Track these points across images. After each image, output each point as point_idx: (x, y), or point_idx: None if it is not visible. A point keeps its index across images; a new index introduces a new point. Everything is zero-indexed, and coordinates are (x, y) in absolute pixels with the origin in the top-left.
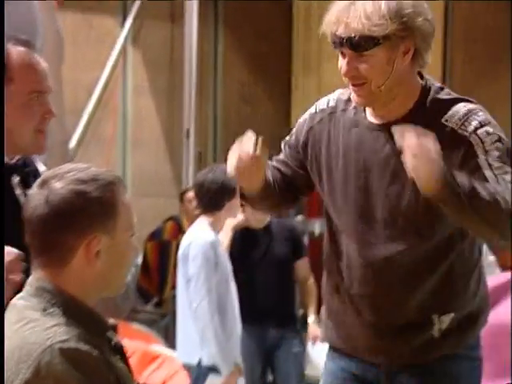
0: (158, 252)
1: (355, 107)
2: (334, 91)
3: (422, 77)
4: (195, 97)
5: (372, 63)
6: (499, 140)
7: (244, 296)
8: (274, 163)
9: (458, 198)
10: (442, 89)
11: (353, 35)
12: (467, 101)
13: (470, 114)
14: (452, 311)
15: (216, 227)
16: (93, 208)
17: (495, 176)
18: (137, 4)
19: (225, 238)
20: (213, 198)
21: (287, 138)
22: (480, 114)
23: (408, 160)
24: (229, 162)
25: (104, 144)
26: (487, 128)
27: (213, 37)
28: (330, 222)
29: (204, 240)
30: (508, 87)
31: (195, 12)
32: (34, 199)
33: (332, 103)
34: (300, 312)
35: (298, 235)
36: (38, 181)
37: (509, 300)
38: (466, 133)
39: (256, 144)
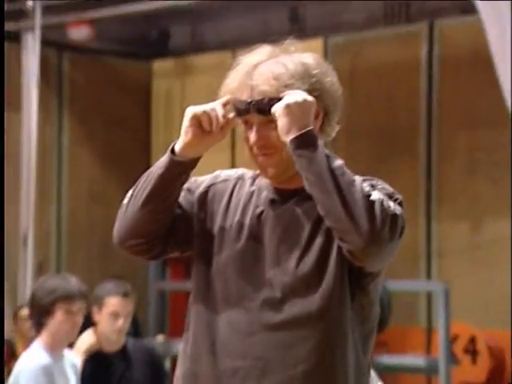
0: None
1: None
2: None
3: None
4: (35, 196)
5: None
6: (393, 194)
7: None
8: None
9: (322, 163)
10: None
11: (261, 98)
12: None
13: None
14: None
15: (54, 348)
16: None
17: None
18: None
19: None
20: (35, 313)
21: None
22: (385, 184)
23: (284, 100)
24: (192, 108)
25: None
26: (385, 188)
27: (56, 126)
28: (201, 293)
29: (36, 365)
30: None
31: (35, 97)
32: None
33: (240, 172)
34: None
35: (158, 359)
36: None
37: None
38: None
39: (227, 107)
